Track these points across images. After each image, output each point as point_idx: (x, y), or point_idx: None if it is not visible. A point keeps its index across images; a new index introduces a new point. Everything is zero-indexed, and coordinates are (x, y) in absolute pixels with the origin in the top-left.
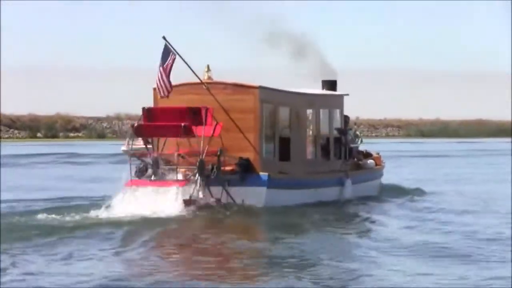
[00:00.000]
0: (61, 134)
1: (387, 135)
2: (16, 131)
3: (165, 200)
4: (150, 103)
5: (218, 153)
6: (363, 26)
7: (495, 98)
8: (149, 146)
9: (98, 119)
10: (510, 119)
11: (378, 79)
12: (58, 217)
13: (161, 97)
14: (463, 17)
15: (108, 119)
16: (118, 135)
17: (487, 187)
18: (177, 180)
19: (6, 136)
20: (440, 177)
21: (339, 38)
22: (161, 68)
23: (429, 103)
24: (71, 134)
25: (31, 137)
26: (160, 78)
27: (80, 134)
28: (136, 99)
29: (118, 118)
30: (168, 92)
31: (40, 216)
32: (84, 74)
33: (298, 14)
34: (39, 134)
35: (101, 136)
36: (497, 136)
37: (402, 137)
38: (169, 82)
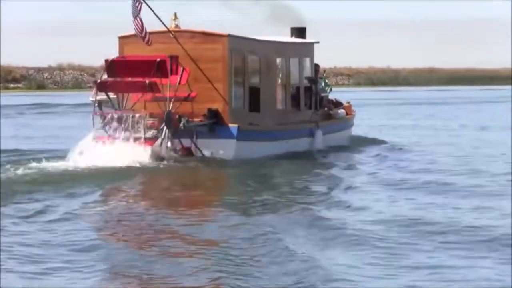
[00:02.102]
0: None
1: (337, 84)
2: None
3: (131, 154)
4: (92, 56)
5: (189, 98)
6: None
7: (447, 46)
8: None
9: (39, 70)
10: (462, 66)
11: (328, 28)
12: (21, 170)
13: (149, 44)
14: None
15: (49, 69)
16: (59, 86)
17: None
18: (143, 134)
19: None
20: (407, 125)
21: None
22: (136, 19)
23: (380, 52)
24: (11, 85)
25: None
26: (138, 27)
27: (20, 85)
28: (80, 50)
29: (60, 68)
30: (147, 39)
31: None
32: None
33: None
34: None
35: (41, 87)
36: (449, 84)
37: (352, 86)
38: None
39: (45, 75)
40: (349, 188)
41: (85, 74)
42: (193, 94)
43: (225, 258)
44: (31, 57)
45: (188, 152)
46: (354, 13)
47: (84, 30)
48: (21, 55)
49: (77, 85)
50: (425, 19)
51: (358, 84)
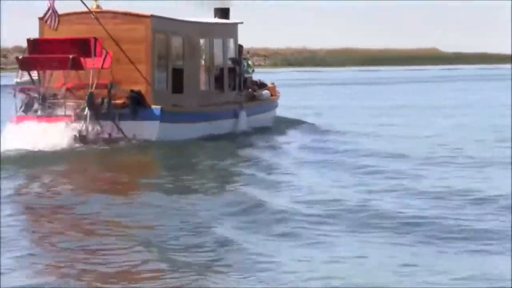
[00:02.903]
0: None
1: (253, 65)
2: None
3: (53, 136)
4: (24, 35)
5: (109, 86)
6: None
7: (364, 27)
8: (35, 78)
9: None
10: (377, 48)
11: (245, 9)
12: None
13: (51, 28)
14: None
15: None
16: None
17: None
18: (65, 116)
19: None
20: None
21: None
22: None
23: (296, 32)
24: None
25: None
26: (49, 7)
27: None
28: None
29: None
30: (57, 23)
31: None
32: None
33: None
34: None
35: None
36: (364, 65)
37: (269, 67)
38: (56, 11)
39: None
40: (271, 169)
41: None
42: (116, 82)
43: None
44: None
45: (109, 138)
46: None
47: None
48: None
49: None
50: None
51: (275, 65)
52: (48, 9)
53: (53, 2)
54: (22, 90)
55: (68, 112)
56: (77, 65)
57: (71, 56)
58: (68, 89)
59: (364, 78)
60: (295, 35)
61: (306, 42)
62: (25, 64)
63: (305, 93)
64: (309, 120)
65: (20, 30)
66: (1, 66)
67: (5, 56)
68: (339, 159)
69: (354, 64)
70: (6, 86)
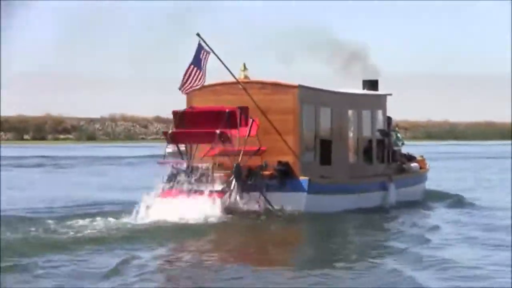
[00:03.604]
0: (49, 136)
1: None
2: (2, 133)
3: (201, 211)
4: (143, 108)
5: (264, 165)
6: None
7: (504, 101)
8: (182, 149)
9: (91, 120)
10: None
11: (385, 82)
12: (93, 224)
13: (184, 92)
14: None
15: (101, 120)
16: (111, 137)
17: None
18: (212, 192)
19: None
20: (481, 182)
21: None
22: (191, 66)
23: (438, 105)
24: (61, 136)
25: (17, 139)
26: (187, 74)
27: (70, 136)
28: (136, 101)
29: (112, 119)
30: (188, 89)
31: (78, 223)
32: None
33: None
34: (26, 136)
35: (91, 138)
36: (505, 139)
37: (409, 140)
38: (199, 77)
39: (97, 126)
40: (426, 245)
41: (137, 126)
42: (263, 148)
43: None
44: (83, 108)
45: (257, 210)
46: (413, 66)
47: (134, 82)
48: (73, 106)
49: (129, 137)
50: (482, 73)
51: (415, 137)
52: (185, 75)
53: (191, 70)
54: (168, 164)
55: (216, 185)
56: (224, 139)
57: (218, 131)
58: (215, 164)
59: (506, 151)
60: (436, 107)
61: (447, 115)
62: (173, 139)
63: (448, 166)
64: (459, 194)
65: (159, 100)
66: (142, 137)
67: (145, 127)
68: (490, 236)
69: (495, 137)
70: (153, 156)
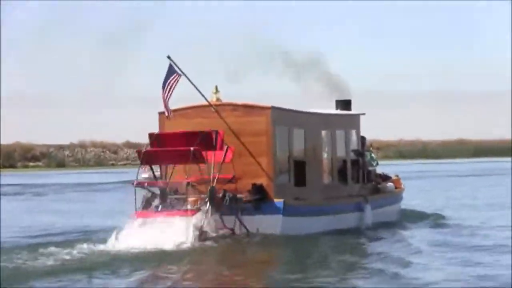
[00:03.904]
0: (19, 164)
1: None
2: None
3: (174, 232)
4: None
5: (233, 181)
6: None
7: (474, 118)
8: (156, 173)
9: (60, 147)
10: (490, 138)
11: (357, 100)
12: (66, 251)
13: (167, 118)
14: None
15: (70, 146)
16: (81, 163)
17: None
18: (186, 210)
19: None
20: (454, 201)
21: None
22: (163, 89)
23: (409, 124)
24: (31, 164)
25: None
26: (163, 99)
27: (40, 163)
28: (103, 126)
29: (82, 145)
30: (168, 114)
31: (49, 250)
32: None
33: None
34: None
35: (61, 165)
36: (477, 156)
37: (381, 159)
38: (166, 100)
39: (66, 152)
40: (405, 266)
41: (107, 151)
42: (237, 177)
43: None
44: (50, 134)
45: (232, 233)
46: (381, 85)
47: (106, 105)
48: (41, 132)
49: (99, 163)
50: (455, 91)
51: (387, 156)
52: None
53: (166, 96)
54: (141, 185)
55: (189, 207)
56: (198, 159)
57: (192, 149)
58: (189, 184)
59: (477, 169)
60: (407, 127)
61: (418, 134)
62: (146, 158)
63: (420, 185)
64: (433, 213)
65: (129, 126)
66: (112, 162)
67: (115, 152)
68: (468, 255)
69: (468, 155)
70: (125, 181)
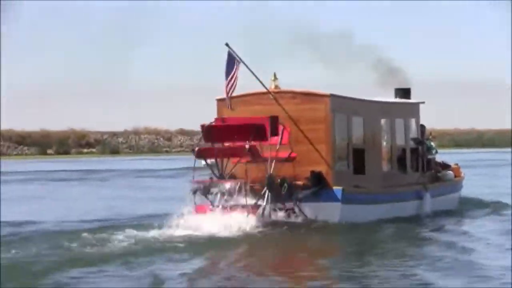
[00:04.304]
0: (73, 150)
1: None
2: (25, 148)
3: (236, 223)
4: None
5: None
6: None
7: None
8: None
9: (114, 134)
10: None
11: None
12: (126, 237)
13: (230, 108)
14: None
15: (124, 133)
16: (134, 150)
17: None
18: (248, 206)
19: (15, 153)
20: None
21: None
22: (227, 79)
23: (464, 113)
24: (85, 150)
25: (40, 154)
26: (225, 89)
27: (94, 150)
28: (157, 113)
29: (136, 132)
30: (230, 104)
31: (113, 235)
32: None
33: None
34: (49, 151)
35: (115, 151)
36: None
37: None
38: (230, 92)
39: (120, 139)
40: (465, 253)
41: (161, 138)
42: (293, 155)
43: None
44: (106, 121)
45: (292, 211)
46: (439, 75)
47: (160, 94)
48: (96, 119)
49: (153, 150)
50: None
51: (442, 145)
52: (229, 89)
53: (229, 83)
54: (198, 182)
55: (248, 199)
56: (254, 153)
57: (247, 146)
58: (246, 171)
59: None
60: (463, 116)
61: (474, 123)
62: (202, 155)
63: (478, 173)
64: (493, 201)
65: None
66: (166, 149)
67: (169, 139)
68: None
69: None
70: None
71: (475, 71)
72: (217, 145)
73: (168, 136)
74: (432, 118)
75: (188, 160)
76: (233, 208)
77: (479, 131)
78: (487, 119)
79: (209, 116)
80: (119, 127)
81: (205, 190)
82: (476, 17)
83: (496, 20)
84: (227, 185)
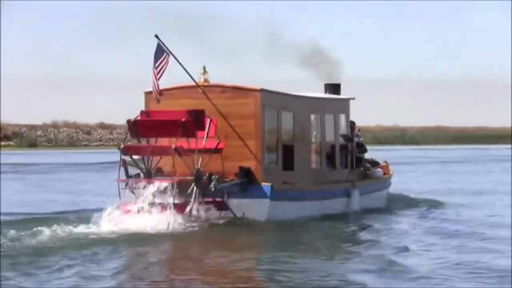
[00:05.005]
0: None
1: None
2: None
3: (158, 219)
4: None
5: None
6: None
7: (455, 105)
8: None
9: (32, 127)
10: (470, 125)
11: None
12: (51, 231)
13: (158, 100)
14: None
15: (43, 126)
16: (53, 144)
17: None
18: (175, 205)
19: None
20: (442, 186)
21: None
22: (154, 70)
23: (388, 110)
24: (2, 143)
25: None
26: (153, 81)
27: (11, 143)
28: (77, 106)
29: (55, 125)
30: (158, 97)
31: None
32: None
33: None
34: None
35: (33, 145)
36: (456, 143)
37: None
38: (157, 84)
39: (38, 132)
40: (392, 251)
41: (81, 132)
42: (221, 145)
43: None
44: (24, 114)
45: (220, 206)
46: (362, 72)
47: (78, 86)
48: (14, 112)
49: (72, 143)
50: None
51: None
52: (153, 83)
53: (156, 76)
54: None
55: (175, 196)
56: (181, 153)
57: (173, 147)
58: (173, 165)
59: (456, 156)
60: (385, 113)
61: (396, 120)
62: (128, 152)
63: (402, 170)
64: (421, 198)
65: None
66: (85, 143)
67: (88, 133)
68: (460, 243)
69: (446, 142)
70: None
71: (397, 68)
72: (143, 140)
73: (87, 130)
74: (355, 114)
75: (108, 154)
76: (159, 205)
77: (401, 128)
78: (410, 117)
79: (134, 110)
80: (37, 120)
81: (132, 187)
82: (402, 14)
83: (413, 14)
84: (154, 186)
